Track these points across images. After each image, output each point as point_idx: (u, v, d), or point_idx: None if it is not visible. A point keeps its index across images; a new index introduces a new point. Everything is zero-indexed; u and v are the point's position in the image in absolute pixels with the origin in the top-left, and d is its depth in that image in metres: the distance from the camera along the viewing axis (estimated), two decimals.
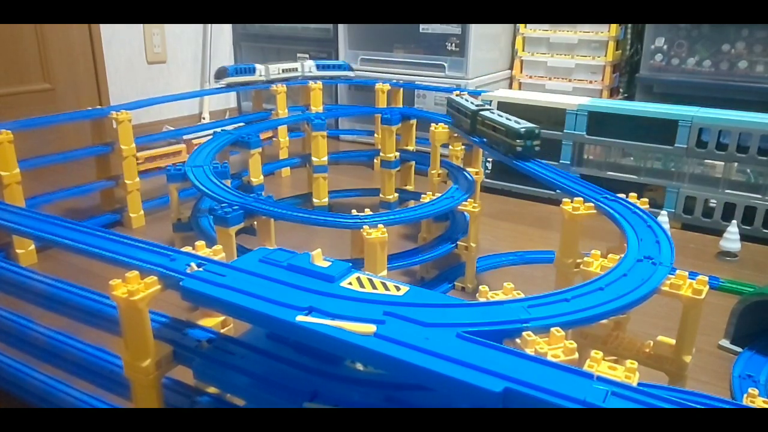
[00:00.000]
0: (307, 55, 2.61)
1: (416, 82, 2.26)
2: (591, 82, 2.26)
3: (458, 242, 1.26)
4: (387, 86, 1.98)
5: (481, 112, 1.33)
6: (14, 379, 0.89)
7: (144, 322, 0.65)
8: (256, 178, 1.49)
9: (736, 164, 1.58)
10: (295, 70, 2.05)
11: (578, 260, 0.90)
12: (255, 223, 1.08)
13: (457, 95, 1.52)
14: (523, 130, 1.19)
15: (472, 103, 1.41)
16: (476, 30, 2.20)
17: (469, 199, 1.22)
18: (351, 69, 2.20)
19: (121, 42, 2.37)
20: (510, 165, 1.21)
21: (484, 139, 1.32)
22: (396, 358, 0.49)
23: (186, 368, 0.67)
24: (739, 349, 1.05)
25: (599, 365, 0.51)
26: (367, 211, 1.05)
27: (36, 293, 0.79)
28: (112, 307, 0.71)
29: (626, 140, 1.68)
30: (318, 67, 2.11)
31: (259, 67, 1.96)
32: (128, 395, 0.69)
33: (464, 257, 1.27)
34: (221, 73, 1.90)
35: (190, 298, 0.62)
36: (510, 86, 2.44)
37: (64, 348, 0.80)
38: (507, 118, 1.27)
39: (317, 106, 1.96)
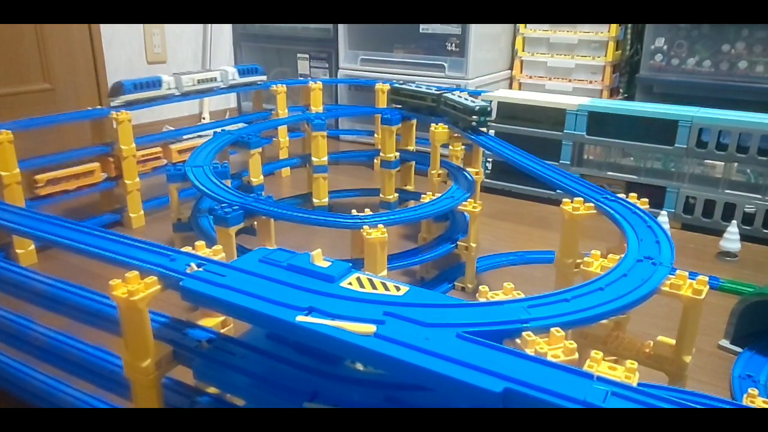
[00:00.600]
0: (308, 56, 2.61)
1: (416, 82, 2.26)
2: (591, 82, 2.26)
3: (458, 242, 1.26)
4: (387, 86, 1.98)
5: (445, 94, 1.50)
6: (14, 379, 0.89)
7: (144, 322, 0.65)
8: (256, 178, 1.48)
9: (736, 164, 1.58)
10: (214, 80, 1.84)
11: (578, 260, 0.90)
12: (255, 223, 1.08)
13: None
14: (477, 107, 1.37)
15: (428, 87, 1.59)
16: (476, 30, 2.20)
17: (469, 199, 1.22)
18: (264, 72, 2.04)
19: (121, 42, 2.37)
20: (467, 138, 1.40)
21: (446, 118, 1.48)
22: (396, 358, 0.49)
23: (186, 368, 0.67)
24: (739, 349, 1.05)
25: (599, 365, 0.51)
26: (367, 211, 1.05)
27: (36, 293, 0.79)
28: (112, 307, 0.71)
29: (626, 140, 1.68)
30: (239, 73, 1.93)
31: (167, 79, 1.72)
32: (128, 395, 0.69)
33: (464, 257, 1.27)
34: (116, 90, 1.63)
35: (190, 298, 0.62)
36: (510, 86, 2.44)
37: (64, 348, 0.80)
38: (465, 99, 1.44)
39: (317, 106, 1.96)
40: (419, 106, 1.60)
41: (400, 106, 1.68)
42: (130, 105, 1.63)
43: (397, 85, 1.71)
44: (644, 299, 0.67)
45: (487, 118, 1.38)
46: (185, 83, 1.75)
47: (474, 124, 1.37)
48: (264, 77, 2.04)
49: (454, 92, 1.54)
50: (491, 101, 1.87)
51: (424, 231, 1.34)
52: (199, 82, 1.79)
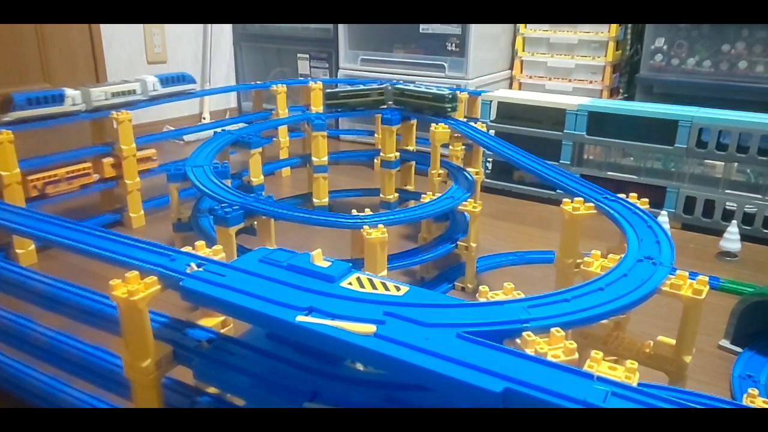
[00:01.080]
0: (308, 56, 2.61)
1: (416, 82, 2.26)
2: (591, 82, 2.26)
3: (458, 242, 1.26)
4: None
5: (398, 86, 1.62)
6: (14, 379, 0.89)
7: (144, 322, 0.65)
8: (256, 178, 1.48)
9: (736, 164, 1.58)
10: (133, 92, 1.64)
11: (578, 260, 0.90)
12: (255, 223, 1.08)
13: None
14: (449, 95, 1.50)
15: (365, 83, 1.68)
16: (476, 30, 2.20)
17: (469, 199, 1.22)
18: (194, 80, 1.84)
19: (121, 42, 2.37)
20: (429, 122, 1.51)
21: (396, 109, 1.60)
22: (396, 358, 0.49)
23: (186, 368, 0.67)
24: (739, 350, 1.05)
25: (599, 365, 0.51)
26: (367, 211, 1.05)
27: (36, 293, 0.79)
28: (112, 307, 0.71)
29: (626, 140, 1.68)
30: (162, 82, 1.72)
31: (71, 93, 1.49)
32: (128, 395, 0.69)
33: (464, 257, 1.27)
34: (5, 105, 1.41)
35: (190, 298, 0.62)
36: (510, 86, 2.44)
37: (64, 348, 0.80)
38: (427, 87, 1.57)
39: (317, 106, 1.95)
40: (363, 103, 1.64)
41: (339, 109, 1.68)
42: (22, 123, 1.41)
43: (330, 90, 1.70)
44: (644, 299, 0.67)
45: (455, 104, 1.55)
46: (94, 98, 1.53)
47: (449, 109, 1.51)
48: (194, 85, 1.83)
49: (407, 84, 1.66)
50: (491, 101, 1.87)
51: (424, 231, 1.34)
52: (113, 95, 1.58)
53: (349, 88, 1.68)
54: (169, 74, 1.78)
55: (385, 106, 1.65)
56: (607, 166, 1.76)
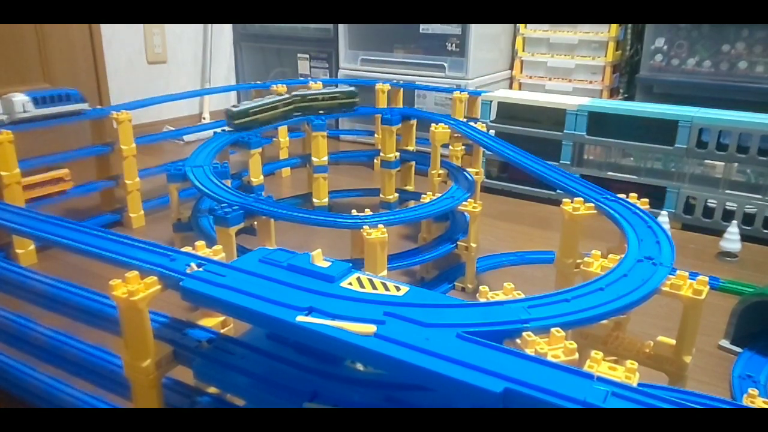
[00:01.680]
0: (308, 56, 2.61)
1: (416, 82, 2.26)
2: (591, 82, 2.26)
3: (458, 242, 1.26)
4: (387, 86, 1.98)
5: (299, 94, 1.64)
6: (14, 379, 0.89)
7: (144, 322, 0.65)
8: (256, 178, 1.48)
9: (736, 165, 1.58)
10: None
11: (578, 260, 0.90)
12: (255, 223, 1.08)
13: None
14: (354, 89, 1.67)
15: (269, 98, 1.61)
16: (476, 30, 2.20)
17: (469, 199, 1.22)
18: (83, 100, 1.56)
19: (121, 42, 2.37)
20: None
21: (308, 115, 1.63)
22: (396, 359, 0.49)
23: (186, 368, 0.67)
24: (739, 350, 1.05)
25: (599, 366, 0.51)
26: (367, 211, 1.05)
27: (36, 293, 0.79)
28: (112, 307, 0.71)
29: (626, 140, 1.68)
30: (36, 102, 1.43)
31: None
32: (128, 395, 0.69)
33: (464, 257, 1.27)
34: None
35: (190, 298, 0.62)
36: (510, 86, 2.44)
37: (64, 348, 0.80)
38: (327, 90, 1.67)
39: None
40: (273, 116, 1.56)
41: (251, 127, 1.51)
42: None
43: (235, 108, 1.48)
44: (644, 299, 0.67)
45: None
46: None
47: (356, 102, 1.67)
48: (82, 105, 1.55)
49: (305, 91, 1.66)
50: (491, 102, 1.87)
51: (424, 231, 1.34)
52: None
53: (254, 103, 1.52)
54: (50, 92, 1.49)
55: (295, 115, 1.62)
56: (607, 167, 1.76)
